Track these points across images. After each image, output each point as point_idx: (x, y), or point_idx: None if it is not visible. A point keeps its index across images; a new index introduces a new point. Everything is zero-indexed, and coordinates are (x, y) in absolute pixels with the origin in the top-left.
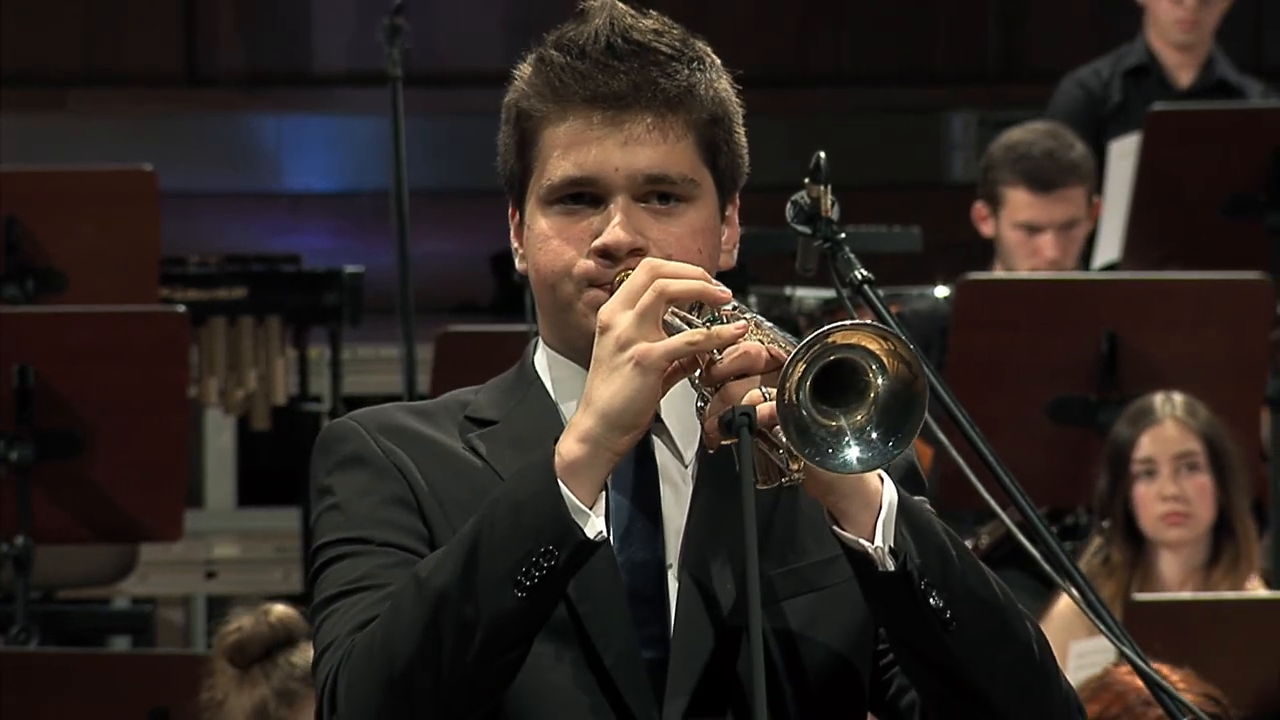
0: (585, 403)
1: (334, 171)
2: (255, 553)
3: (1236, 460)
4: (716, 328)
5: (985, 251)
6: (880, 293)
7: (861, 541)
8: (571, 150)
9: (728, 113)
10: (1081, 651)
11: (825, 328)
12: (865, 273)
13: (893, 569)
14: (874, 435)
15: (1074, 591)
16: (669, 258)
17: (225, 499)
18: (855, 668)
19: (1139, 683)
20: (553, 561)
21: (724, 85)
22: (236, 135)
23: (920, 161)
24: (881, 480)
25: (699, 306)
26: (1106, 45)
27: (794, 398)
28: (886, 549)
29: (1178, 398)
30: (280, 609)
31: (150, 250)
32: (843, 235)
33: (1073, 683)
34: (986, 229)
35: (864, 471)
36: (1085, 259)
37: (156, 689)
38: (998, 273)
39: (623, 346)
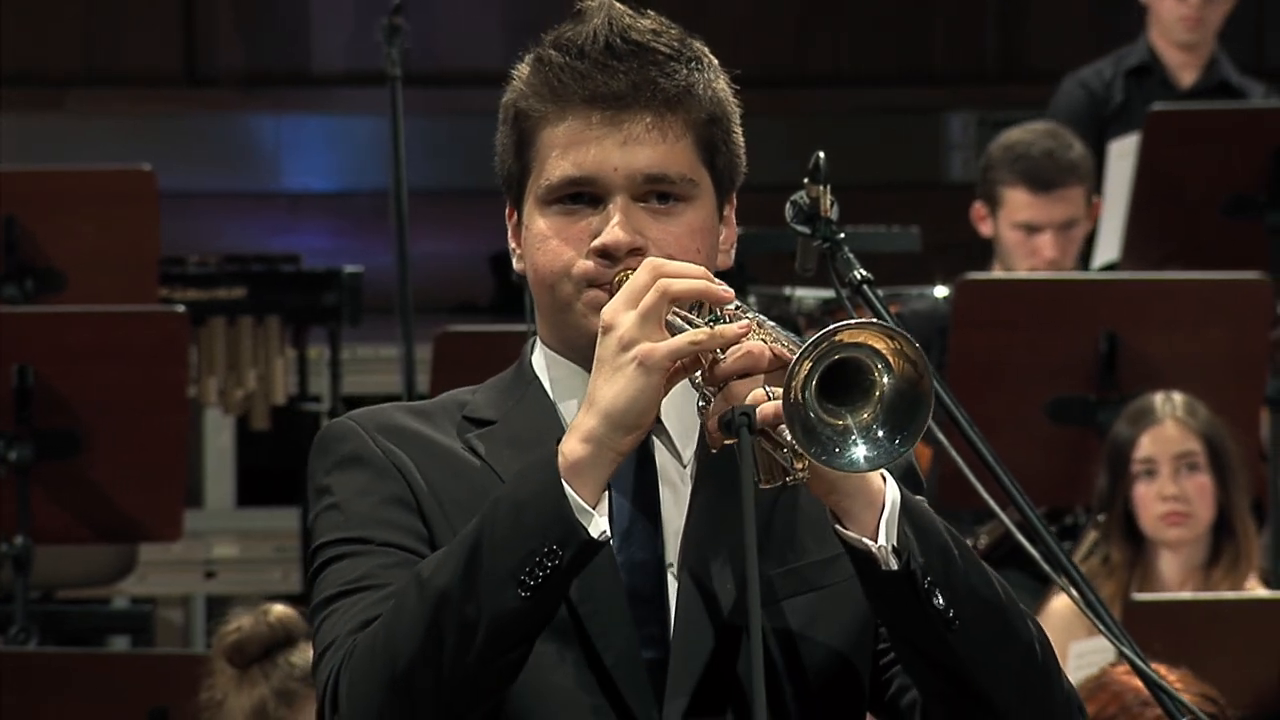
0: (588, 403)
1: (333, 171)
2: (255, 553)
3: (1236, 460)
4: (720, 327)
5: (984, 251)
6: (879, 293)
7: (865, 541)
8: (570, 150)
9: (726, 112)
10: (1081, 651)
11: (832, 326)
12: (864, 273)
13: (896, 568)
14: (880, 434)
15: (1073, 592)
16: (668, 257)
17: (224, 499)
18: (855, 667)
19: (1136, 683)
20: (556, 561)
21: (722, 85)
22: (235, 135)
23: (919, 162)
24: (884, 479)
25: (701, 306)
26: (1106, 45)
27: (800, 397)
28: (890, 548)
29: (1178, 397)
30: (279, 609)
31: (150, 250)
32: (842, 235)
33: (1071, 683)
34: (985, 229)
35: (871, 470)
36: (1085, 259)
37: (156, 689)
38: (997, 273)
39: (626, 346)
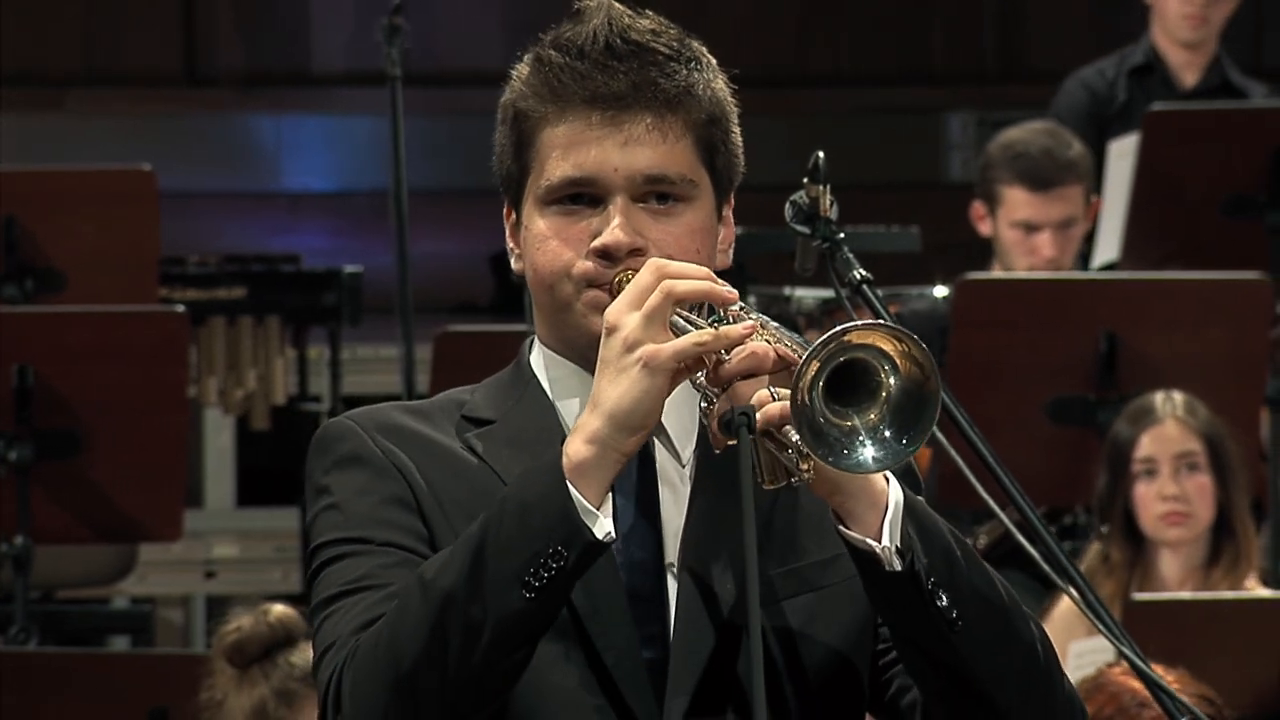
0: (592, 404)
1: (333, 171)
2: (254, 552)
3: (1236, 460)
4: (724, 328)
5: (984, 251)
6: (879, 293)
7: (869, 541)
8: (570, 151)
9: (725, 112)
10: (1080, 651)
11: (841, 327)
12: (864, 272)
13: (900, 569)
14: (887, 434)
15: (1073, 592)
16: (668, 258)
17: (224, 499)
18: (855, 667)
19: (1134, 683)
20: (561, 562)
21: (720, 85)
22: (235, 135)
23: (919, 161)
24: (887, 480)
25: (704, 307)
26: (1105, 45)
27: (806, 399)
28: (893, 549)
29: (1178, 397)
30: (279, 609)
31: (149, 250)
32: (841, 235)
33: (1073, 684)
34: (984, 228)
35: (879, 471)
36: (1084, 259)
37: (156, 689)
38: (996, 273)
39: (630, 348)
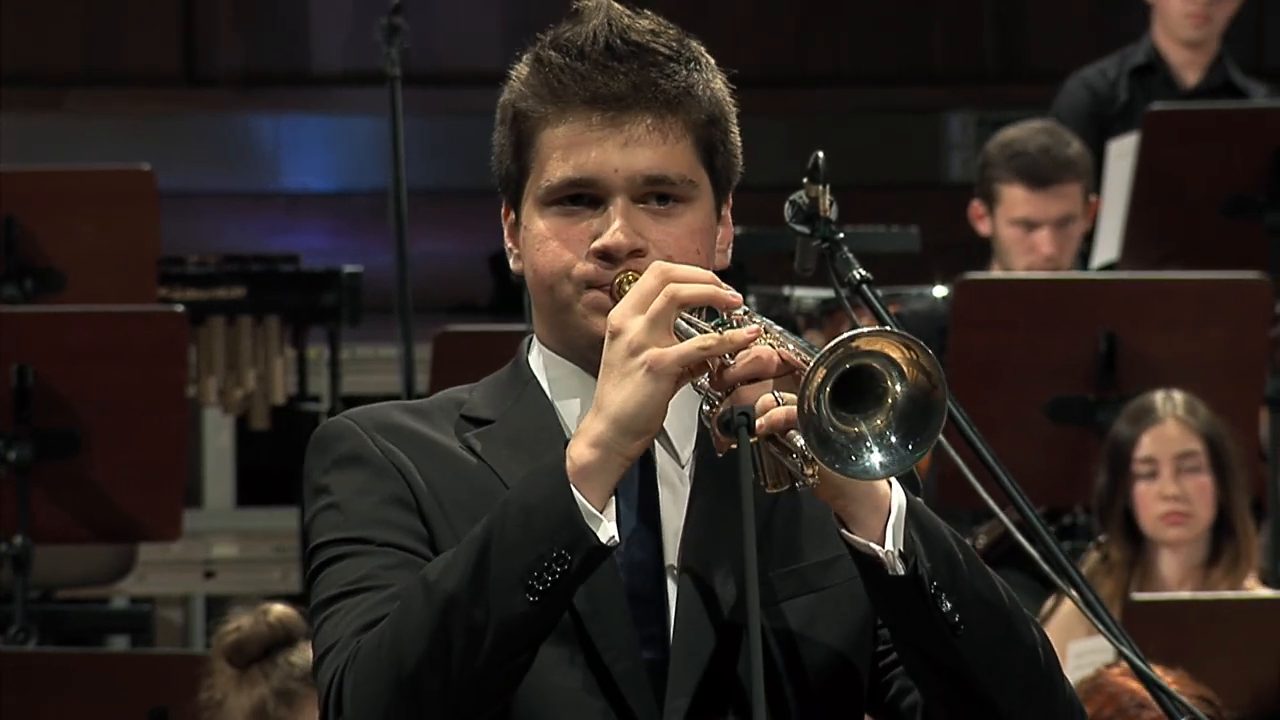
0: (596, 407)
1: (332, 171)
2: (254, 552)
3: (1237, 460)
4: (729, 332)
5: (983, 251)
6: (879, 292)
7: (872, 546)
8: (571, 152)
9: (724, 113)
10: (1080, 651)
11: (848, 334)
12: (864, 272)
13: (903, 573)
14: (893, 439)
15: (1072, 592)
16: (668, 259)
17: (224, 499)
18: (855, 668)
19: (1132, 684)
20: (565, 566)
21: (719, 85)
22: (235, 135)
23: (918, 162)
24: (890, 483)
25: (705, 309)
26: (1106, 45)
27: (813, 406)
28: (896, 553)
29: (1178, 396)
30: (279, 609)
31: (149, 250)
32: (841, 235)
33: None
34: (983, 227)
35: (886, 477)
36: (1084, 259)
37: (155, 689)
38: (996, 272)
39: (635, 352)
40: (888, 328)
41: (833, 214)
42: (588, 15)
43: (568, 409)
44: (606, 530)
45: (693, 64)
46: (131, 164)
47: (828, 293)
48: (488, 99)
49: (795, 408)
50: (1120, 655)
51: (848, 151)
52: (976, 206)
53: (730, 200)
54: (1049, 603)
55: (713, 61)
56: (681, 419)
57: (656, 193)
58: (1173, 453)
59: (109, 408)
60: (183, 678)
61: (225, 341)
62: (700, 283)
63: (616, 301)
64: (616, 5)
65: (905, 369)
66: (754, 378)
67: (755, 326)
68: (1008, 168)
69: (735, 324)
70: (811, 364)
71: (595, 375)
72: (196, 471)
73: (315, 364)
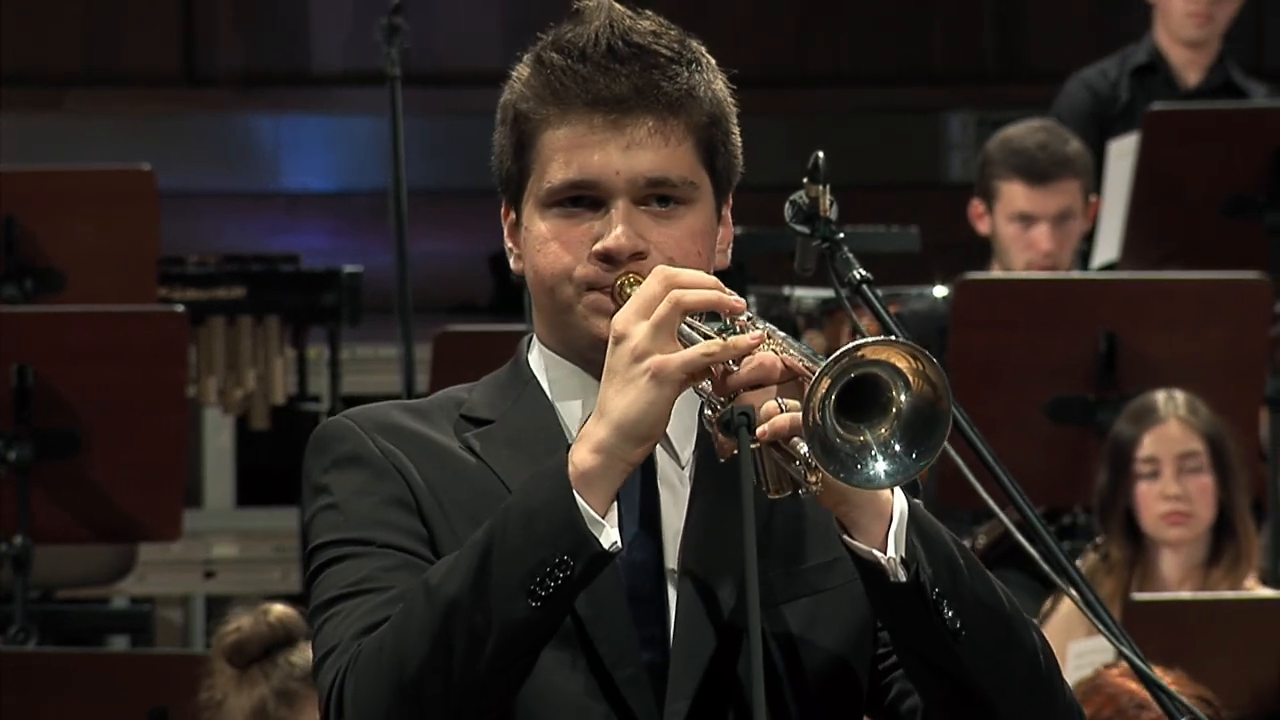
0: (599, 413)
1: (332, 171)
2: (254, 552)
3: (1237, 460)
4: (732, 338)
5: (983, 251)
6: (879, 292)
7: (874, 552)
8: (572, 154)
9: (725, 113)
10: (1080, 651)
11: (854, 343)
12: (864, 272)
13: (904, 580)
14: (898, 448)
15: (1072, 592)
16: (670, 260)
17: (224, 499)
18: (854, 671)
19: (1131, 685)
20: (568, 572)
21: (720, 85)
22: (234, 135)
23: (918, 161)
24: (891, 490)
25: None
26: (1106, 45)
27: (818, 416)
28: (898, 560)
29: (1180, 396)
30: (279, 609)
31: (149, 250)
32: (841, 235)
33: (1069, 683)
34: (983, 226)
35: (890, 486)
36: (1084, 259)
37: (155, 689)
38: (996, 272)
39: (639, 358)
40: (894, 337)
41: (833, 214)
42: (589, 16)
43: (568, 410)
44: (609, 536)
45: (694, 65)
46: (131, 164)
47: (828, 293)
48: (488, 99)
49: (798, 415)
50: (1120, 655)
51: (848, 151)
52: (976, 205)
53: (730, 200)
54: (1049, 603)
55: (714, 62)
56: (681, 420)
57: (658, 195)
58: (1175, 453)
59: (109, 408)
60: (183, 678)
61: (225, 341)
62: (704, 288)
63: (617, 303)
64: (618, 6)
65: (911, 379)
66: (757, 384)
67: (759, 332)
68: (1006, 164)
69: (739, 329)
70: (816, 374)
71: (595, 376)
72: (196, 471)
73: (315, 364)
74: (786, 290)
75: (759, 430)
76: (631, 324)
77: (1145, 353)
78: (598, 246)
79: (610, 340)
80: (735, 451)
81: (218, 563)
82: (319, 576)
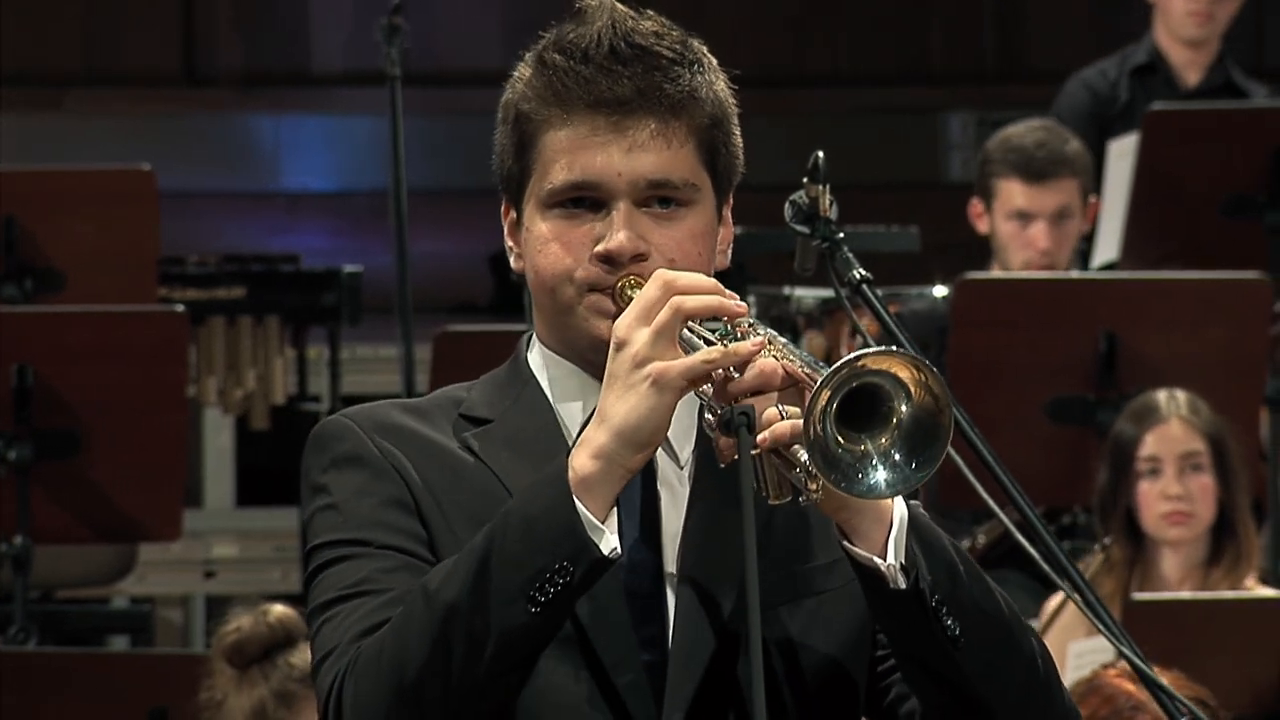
0: (598, 418)
1: (332, 171)
2: (254, 552)
3: (1238, 459)
4: (734, 345)
5: (983, 251)
6: (879, 292)
7: (874, 559)
8: (574, 155)
9: (726, 114)
10: (1080, 651)
11: (855, 353)
12: (863, 272)
13: (904, 587)
14: (898, 457)
15: (1072, 592)
16: (671, 262)
17: (224, 499)
18: (853, 672)
19: (1128, 686)
20: (567, 578)
21: (722, 86)
22: (234, 135)
23: (918, 161)
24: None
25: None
26: (1105, 45)
27: (819, 428)
28: (898, 566)
29: (1181, 396)
30: (279, 609)
31: (149, 250)
32: (841, 235)
33: (1068, 683)
34: (982, 226)
35: (891, 496)
36: (1084, 258)
37: (155, 689)
38: (995, 272)
39: (640, 364)
40: (895, 347)
41: (833, 214)
42: (591, 16)
43: (567, 410)
44: (609, 542)
45: (696, 66)
46: (131, 164)
47: (828, 293)
48: (488, 99)
49: (799, 422)
50: (1120, 655)
51: (847, 151)
52: (975, 205)
53: (731, 200)
54: (1049, 603)
55: (715, 63)
56: (681, 420)
57: (659, 196)
58: (1177, 452)
59: (109, 408)
60: (183, 678)
61: (225, 341)
62: (705, 293)
63: (618, 305)
64: (620, 6)
65: (913, 389)
66: (758, 391)
67: (760, 339)
68: (1005, 163)
69: (740, 335)
70: (817, 385)
71: (595, 376)
72: (196, 471)
73: (315, 364)
74: (786, 290)
75: (759, 437)
76: (633, 330)
77: (1145, 352)
78: (599, 248)
79: (611, 346)
80: (735, 456)
81: (218, 563)
82: (317, 577)
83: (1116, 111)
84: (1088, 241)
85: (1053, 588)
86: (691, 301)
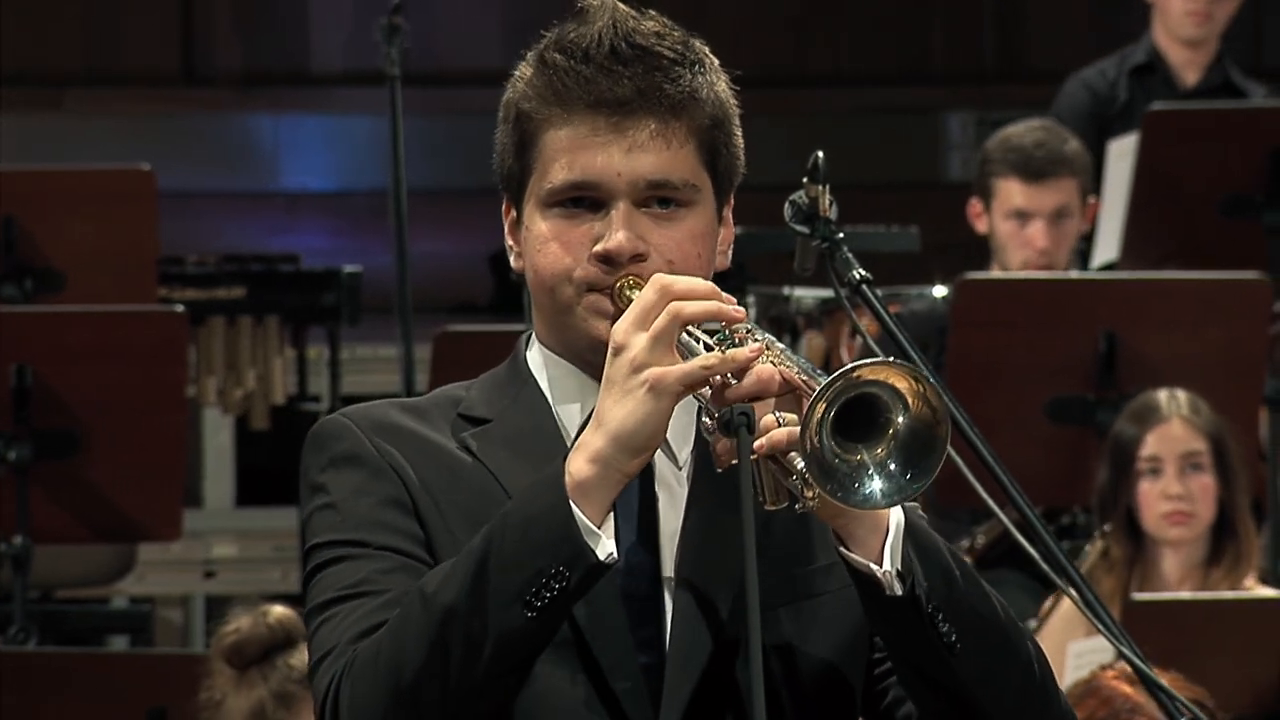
0: (595, 422)
1: (331, 171)
2: (254, 552)
3: (1239, 459)
4: (731, 351)
5: (983, 251)
6: (878, 292)
7: (871, 566)
8: (574, 155)
9: (727, 115)
10: (1080, 651)
11: (851, 364)
12: (863, 272)
13: (900, 593)
14: (893, 467)
15: (1071, 591)
16: (670, 263)
17: (224, 498)
18: (850, 674)
19: (1126, 687)
20: (564, 583)
21: (723, 87)
22: (234, 135)
23: (918, 161)
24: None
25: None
26: (1105, 45)
27: (815, 440)
28: (894, 572)
29: (1182, 395)
30: (279, 610)
31: (148, 250)
32: (841, 235)
33: (1068, 683)
34: (981, 226)
35: (886, 506)
36: (1083, 258)
37: (155, 689)
38: (995, 272)
39: (637, 369)
40: (894, 359)
41: (832, 214)
42: (593, 16)
43: (568, 413)
44: (605, 547)
45: (697, 67)
46: (131, 164)
47: (828, 293)
48: (488, 99)
49: (796, 430)
50: (1120, 655)
51: (848, 151)
52: (974, 204)
53: (732, 201)
54: (1048, 602)
55: (717, 63)
56: (679, 421)
57: (658, 197)
58: (1178, 452)
59: (109, 408)
60: (182, 678)
61: (225, 341)
62: (703, 299)
63: (617, 305)
64: (621, 6)
65: (910, 400)
66: (755, 397)
67: (758, 345)
68: (1003, 162)
69: (737, 340)
70: (813, 398)
71: (594, 376)
72: (196, 471)
73: (315, 364)
74: (786, 290)
75: (756, 444)
76: (630, 335)
77: (1145, 353)
78: (598, 248)
79: (609, 350)
80: (733, 461)
81: (217, 563)
82: (315, 577)
83: (1115, 111)
84: (1087, 242)
85: (1052, 587)
86: (690, 307)
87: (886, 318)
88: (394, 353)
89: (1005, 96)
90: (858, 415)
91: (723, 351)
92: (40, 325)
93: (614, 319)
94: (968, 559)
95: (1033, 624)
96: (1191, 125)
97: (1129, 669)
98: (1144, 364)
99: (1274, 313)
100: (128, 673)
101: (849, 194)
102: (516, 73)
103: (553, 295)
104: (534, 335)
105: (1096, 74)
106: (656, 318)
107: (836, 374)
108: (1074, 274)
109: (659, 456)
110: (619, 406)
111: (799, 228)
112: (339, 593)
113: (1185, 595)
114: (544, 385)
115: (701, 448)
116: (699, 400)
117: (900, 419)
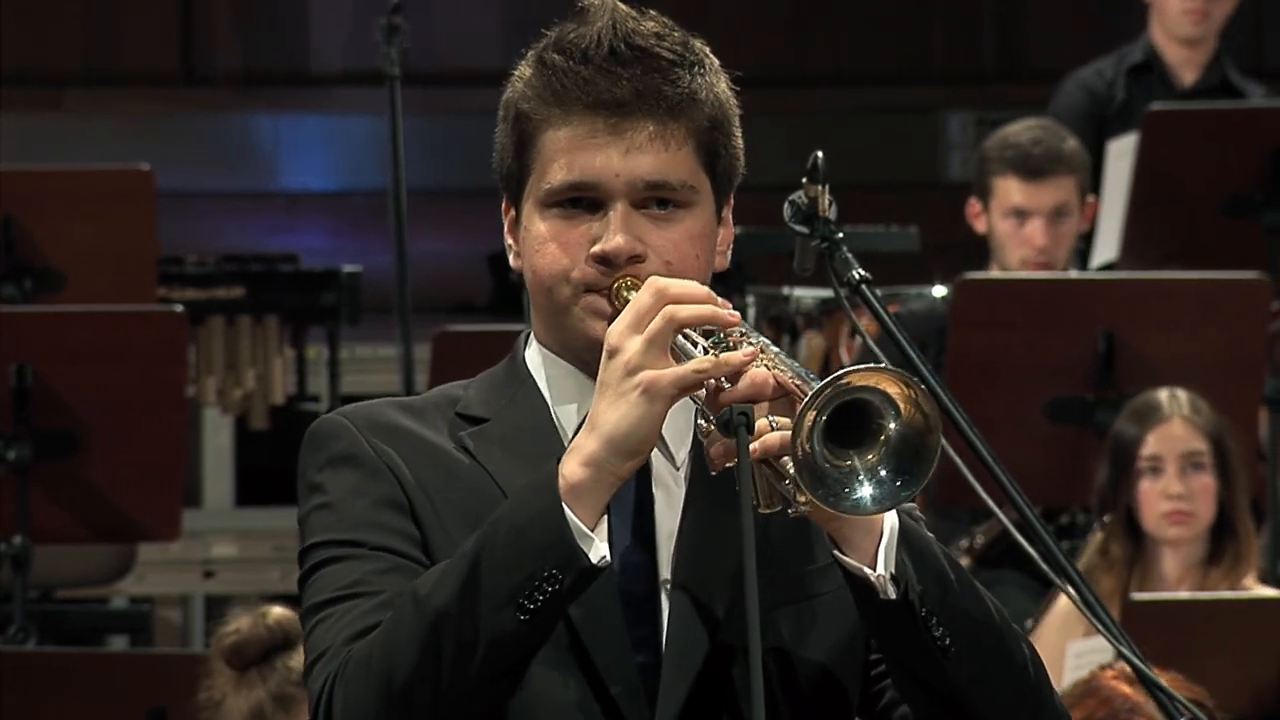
0: (589, 425)
1: (331, 171)
2: (253, 552)
3: (1239, 459)
4: (725, 355)
5: (982, 251)
6: (878, 292)
7: (864, 569)
8: (572, 155)
9: (727, 116)
10: (1079, 651)
11: (843, 370)
12: (863, 272)
13: (894, 597)
14: (884, 473)
15: (1071, 591)
16: (668, 264)
17: (223, 498)
18: (847, 675)
19: (1125, 688)
20: (556, 586)
21: (723, 87)
22: (233, 135)
23: (918, 161)
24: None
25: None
26: (1105, 45)
27: (806, 447)
28: (888, 576)
29: (1183, 395)
30: (278, 611)
31: (148, 250)
32: (840, 235)
33: (1067, 683)
34: (980, 225)
35: (877, 512)
36: (1083, 258)
37: (154, 689)
38: (995, 272)
39: (631, 372)
40: (884, 365)
41: (832, 214)
42: (593, 16)
43: (564, 409)
44: (598, 550)
45: (697, 68)
46: (130, 164)
47: (827, 293)
48: (487, 99)
49: (788, 434)
50: (1119, 655)
51: (847, 151)
52: (973, 204)
53: (731, 201)
54: (1047, 602)
55: (717, 64)
56: (676, 421)
57: (657, 198)
58: (1178, 451)
59: (108, 408)
60: (182, 678)
61: (224, 341)
62: (698, 303)
63: (614, 306)
64: (621, 6)
65: (902, 406)
66: (749, 401)
67: (752, 349)
68: (1002, 160)
69: (732, 344)
70: (803, 405)
71: (592, 377)
72: (196, 471)
73: (314, 364)
74: (786, 290)
75: (749, 448)
76: (625, 338)
77: (1144, 353)
78: (595, 249)
79: (604, 353)
80: (728, 464)
81: (217, 563)
82: (311, 577)
83: (1113, 111)
84: (1086, 241)
85: (1051, 587)
86: (685, 311)
87: (886, 318)
88: (393, 353)
89: (1005, 96)
90: (850, 420)
91: (717, 355)
92: (40, 325)
93: (611, 320)
94: (967, 559)
95: (1031, 624)
96: (1191, 125)
97: (1128, 669)
98: (1143, 364)
99: (1274, 312)
100: (127, 673)
101: (848, 194)
102: (516, 73)
103: (550, 295)
104: (532, 335)
105: (1094, 74)
106: (651, 321)
107: (828, 380)
108: (1073, 274)
109: (656, 456)
110: (613, 409)
111: (798, 228)
112: (334, 593)
113: (1185, 595)
114: (542, 385)
115: (699, 448)
116: (695, 402)
117: (892, 425)
